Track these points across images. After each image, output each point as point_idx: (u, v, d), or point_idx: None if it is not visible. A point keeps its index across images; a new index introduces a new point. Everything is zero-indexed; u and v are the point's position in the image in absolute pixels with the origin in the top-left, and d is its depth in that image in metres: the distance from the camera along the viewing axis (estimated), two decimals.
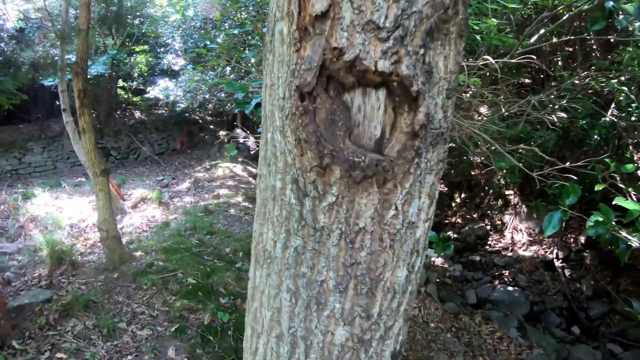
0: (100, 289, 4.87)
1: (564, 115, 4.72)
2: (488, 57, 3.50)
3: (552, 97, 4.72)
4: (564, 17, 4.16)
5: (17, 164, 12.03)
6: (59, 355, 3.75)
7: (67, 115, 5.03)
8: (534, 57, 3.69)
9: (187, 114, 13.47)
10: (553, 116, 4.23)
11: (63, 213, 7.84)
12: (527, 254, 8.66)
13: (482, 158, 7.21)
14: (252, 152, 12.34)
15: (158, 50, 12.93)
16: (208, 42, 6.91)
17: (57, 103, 5.09)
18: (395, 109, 0.73)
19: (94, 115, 13.21)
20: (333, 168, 0.73)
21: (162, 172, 11.78)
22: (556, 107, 4.77)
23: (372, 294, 0.86)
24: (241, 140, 8.71)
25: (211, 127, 14.36)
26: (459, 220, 10.42)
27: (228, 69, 8.42)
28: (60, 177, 11.34)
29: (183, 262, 5.47)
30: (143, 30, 12.95)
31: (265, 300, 0.98)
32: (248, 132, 7.99)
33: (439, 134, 0.77)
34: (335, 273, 0.83)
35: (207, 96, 11.13)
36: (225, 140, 11.26)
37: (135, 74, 13.55)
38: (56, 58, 6.72)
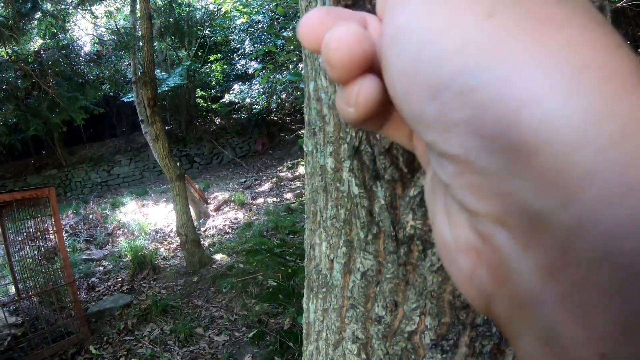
0: (180, 293, 4.83)
1: None
2: None
3: None
4: None
5: (107, 176, 12.82)
6: None
7: (145, 126, 5.09)
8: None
9: (265, 116, 13.52)
10: None
11: (149, 219, 8.07)
12: None
13: None
14: None
15: (231, 57, 13.12)
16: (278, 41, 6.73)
17: (139, 117, 5.15)
18: None
19: (175, 124, 13.73)
20: None
21: (245, 174, 11.89)
22: None
23: (499, 351, 0.46)
24: None
25: (291, 126, 14.32)
26: None
27: (301, 65, 8.20)
28: (147, 186, 11.86)
29: (264, 263, 5.30)
30: (212, 38, 13.25)
31: (323, 346, 0.61)
32: None
33: None
34: (435, 320, 0.45)
35: (283, 96, 11.06)
36: (303, 133, 11.15)
37: (212, 82, 13.85)
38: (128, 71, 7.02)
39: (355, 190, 0.45)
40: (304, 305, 0.71)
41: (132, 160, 13.14)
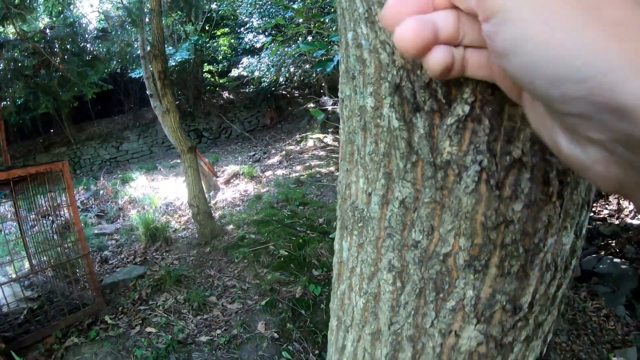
0: (192, 263, 4.93)
1: None
2: None
3: None
4: None
5: (115, 152, 12.91)
6: (148, 329, 3.80)
7: (154, 100, 5.12)
8: None
9: (274, 89, 13.50)
10: None
11: (159, 193, 8.18)
12: (636, 222, 7.57)
13: None
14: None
15: (238, 31, 13.04)
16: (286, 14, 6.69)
17: (147, 91, 5.16)
18: None
19: (183, 99, 13.72)
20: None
21: (254, 147, 11.94)
22: None
23: (525, 274, 0.52)
24: (329, 109, 8.49)
25: (299, 100, 14.30)
26: None
27: (310, 38, 8.16)
28: (156, 161, 11.94)
29: (275, 234, 5.38)
30: (220, 12, 13.13)
31: (357, 281, 0.66)
32: (336, 99, 7.68)
33: None
34: (469, 240, 0.50)
35: (292, 69, 11.03)
36: (311, 107, 11.08)
37: (220, 57, 13.79)
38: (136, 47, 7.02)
39: (396, 123, 0.49)
40: (336, 246, 0.76)
41: (140, 136, 13.22)
